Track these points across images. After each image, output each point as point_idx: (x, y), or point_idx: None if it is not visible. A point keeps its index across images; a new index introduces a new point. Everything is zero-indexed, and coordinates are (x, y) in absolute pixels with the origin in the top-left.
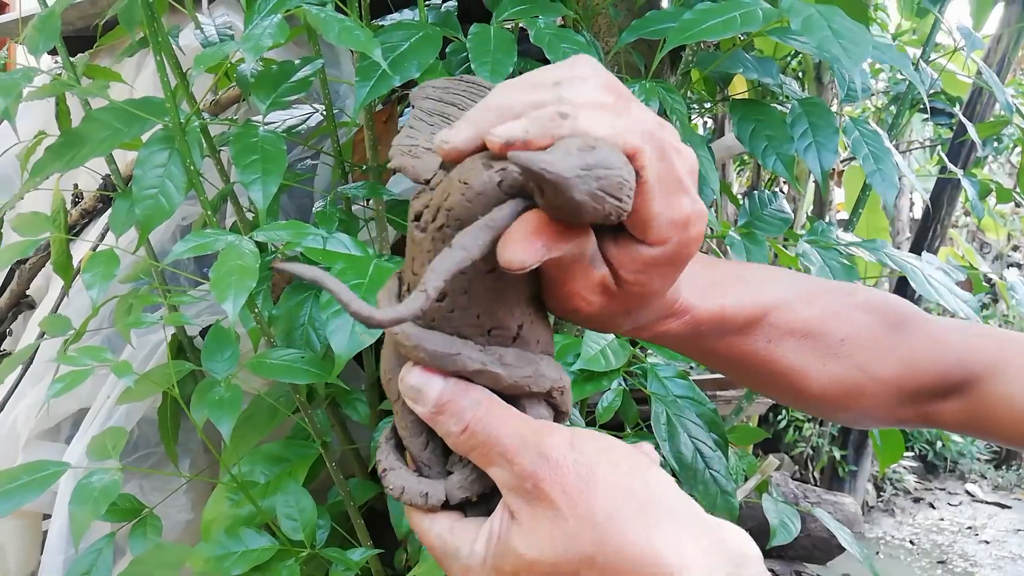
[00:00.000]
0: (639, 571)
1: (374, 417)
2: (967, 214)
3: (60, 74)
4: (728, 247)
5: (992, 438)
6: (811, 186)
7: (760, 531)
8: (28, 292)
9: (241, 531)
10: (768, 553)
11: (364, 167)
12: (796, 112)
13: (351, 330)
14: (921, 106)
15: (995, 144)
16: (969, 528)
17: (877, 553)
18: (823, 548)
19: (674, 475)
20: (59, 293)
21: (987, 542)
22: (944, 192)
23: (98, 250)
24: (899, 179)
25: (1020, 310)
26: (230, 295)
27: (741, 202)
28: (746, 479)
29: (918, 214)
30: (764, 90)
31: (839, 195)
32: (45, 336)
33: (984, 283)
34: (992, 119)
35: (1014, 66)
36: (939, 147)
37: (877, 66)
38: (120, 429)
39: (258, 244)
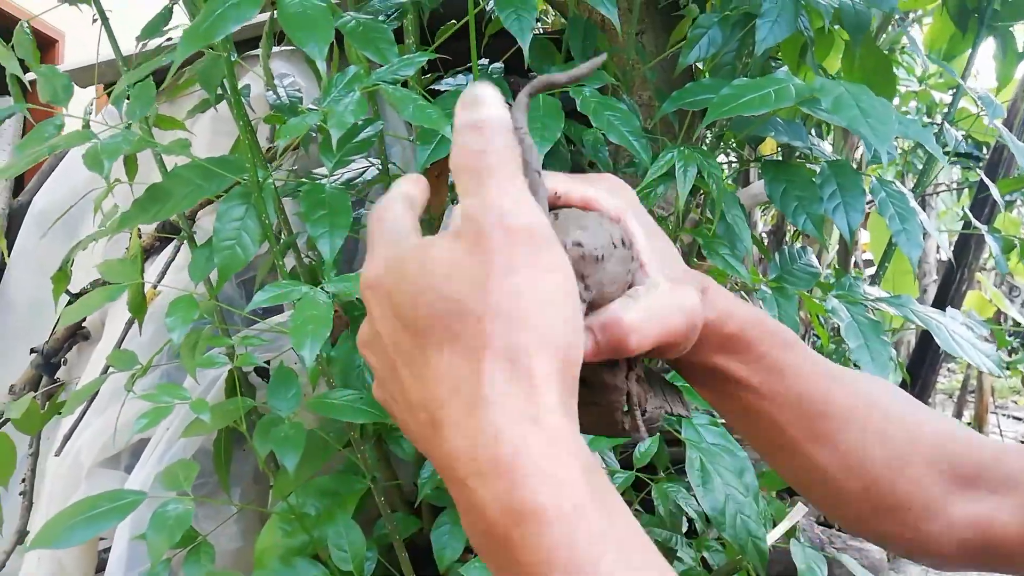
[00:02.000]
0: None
1: (419, 453)
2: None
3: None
4: (760, 301)
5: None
6: (835, 232)
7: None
8: (84, 324)
9: (295, 560)
10: None
11: (420, 219)
12: (825, 174)
13: None
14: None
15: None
16: None
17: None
18: None
19: (708, 520)
20: (123, 329)
21: None
22: (971, 236)
23: (178, 296)
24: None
25: None
26: (307, 342)
27: (772, 256)
28: (774, 524)
29: (945, 255)
30: (791, 149)
31: (864, 235)
32: (111, 370)
33: (1009, 333)
34: (1017, 170)
35: None
36: (966, 190)
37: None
38: (192, 463)
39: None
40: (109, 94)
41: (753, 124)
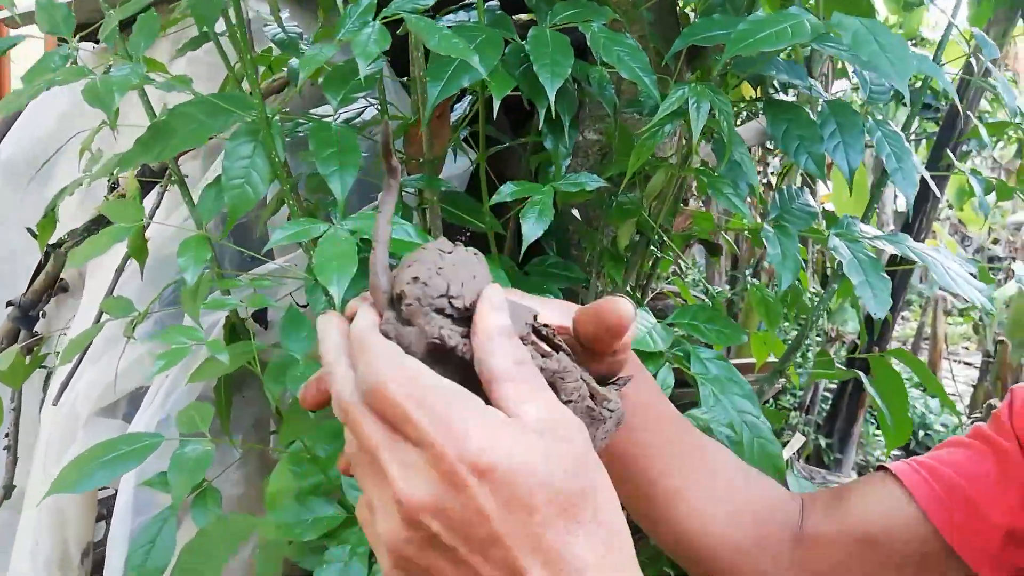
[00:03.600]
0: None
1: None
2: (950, 207)
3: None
4: (764, 240)
5: None
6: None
7: None
8: (62, 276)
9: (309, 500)
10: None
11: (420, 160)
12: (824, 114)
13: None
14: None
15: (979, 140)
16: None
17: None
18: None
19: (730, 442)
20: (112, 277)
21: None
22: (929, 188)
23: (189, 236)
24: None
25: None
26: (334, 278)
27: (767, 197)
28: None
29: (902, 206)
30: (787, 89)
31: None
32: (106, 318)
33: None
34: (977, 115)
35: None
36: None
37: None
38: (207, 405)
39: None
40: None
41: (757, 64)
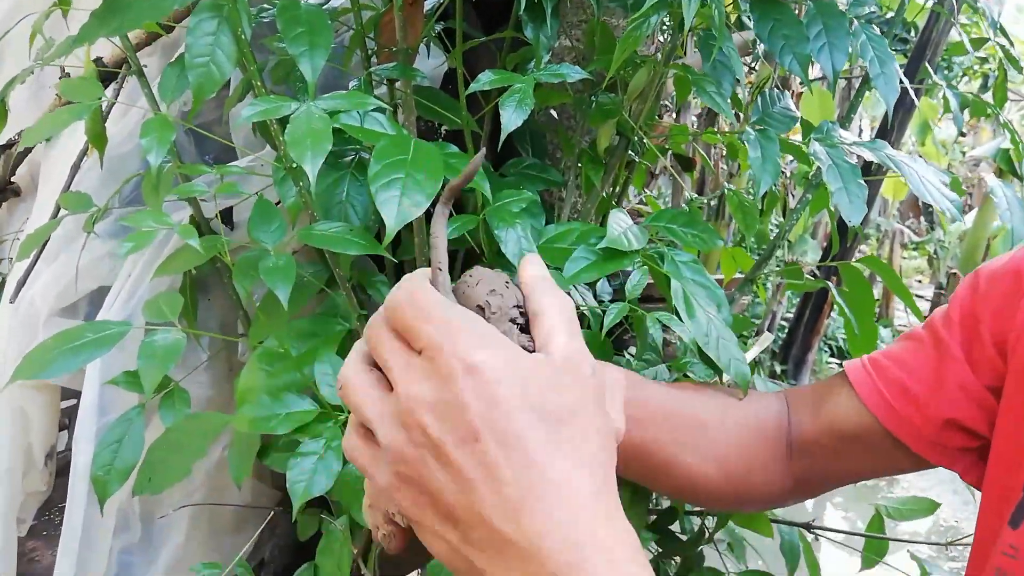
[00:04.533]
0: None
1: None
2: (912, 142)
3: None
4: (745, 142)
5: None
6: None
7: None
8: (13, 179)
9: (283, 395)
10: None
11: (393, 49)
12: (811, 14)
13: (399, 203)
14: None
15: (945, 72)
16: None
17: None
18: None
19: (699, 351)
20: (67, 175)
21: None
22: (896, 116)
23: (151, 116)
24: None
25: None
26: (308, 156)
27: (747, 100)
28: None
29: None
30: None
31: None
32: (64, 213)
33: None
34: (946, 47)
35: None
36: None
37: None
38: (176, 294)
39: None
40: None
41: None
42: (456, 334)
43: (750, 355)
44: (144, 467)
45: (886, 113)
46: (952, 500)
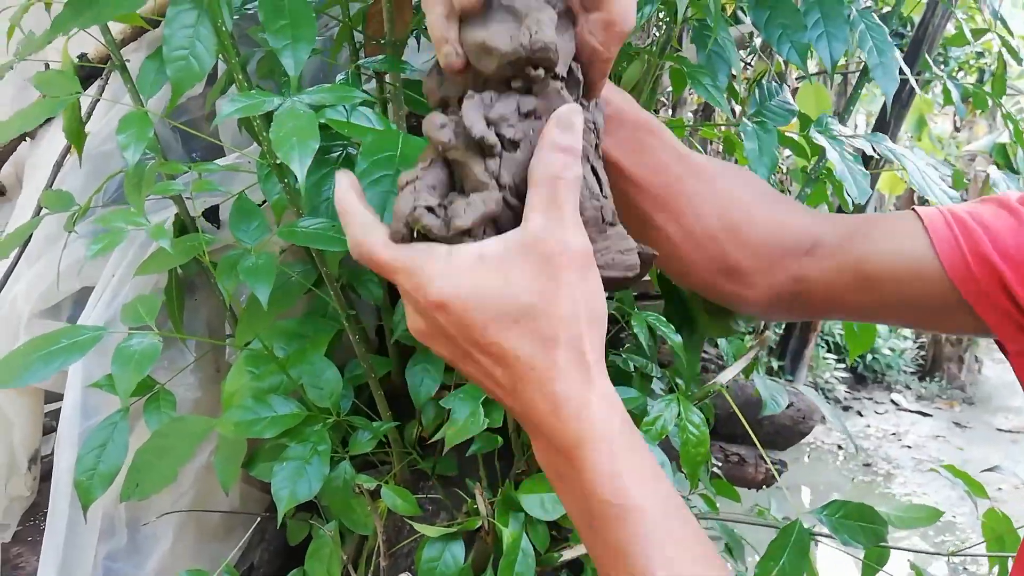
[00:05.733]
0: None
1: (386, 298)
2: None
3: None
4: (742, 134)
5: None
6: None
7: (749, 406)
8: None
9: (269, 398)
10: (733, 439)
11: (381, 41)
12: (810, 2)
13: (388, 200)
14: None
15: (942, 66)
16: (893, 434)
17: (806, 457)
18: (785, 435)
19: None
20: (51, 172)
21: (909, 447)
22: (892, 111)
23: (129, 111)
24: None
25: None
26: (295, 155)
27: (744, 94)
28: (735, 359)
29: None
30: None
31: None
32: (45, 212)
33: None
34: (943, 41)
35: None
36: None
37: None
38: (152, 297)
39: None
40: None
41: None
42: (418, 276)
43: (740, 364)
44: (131, 473)
45: (883, 107)
46: (950, 495)
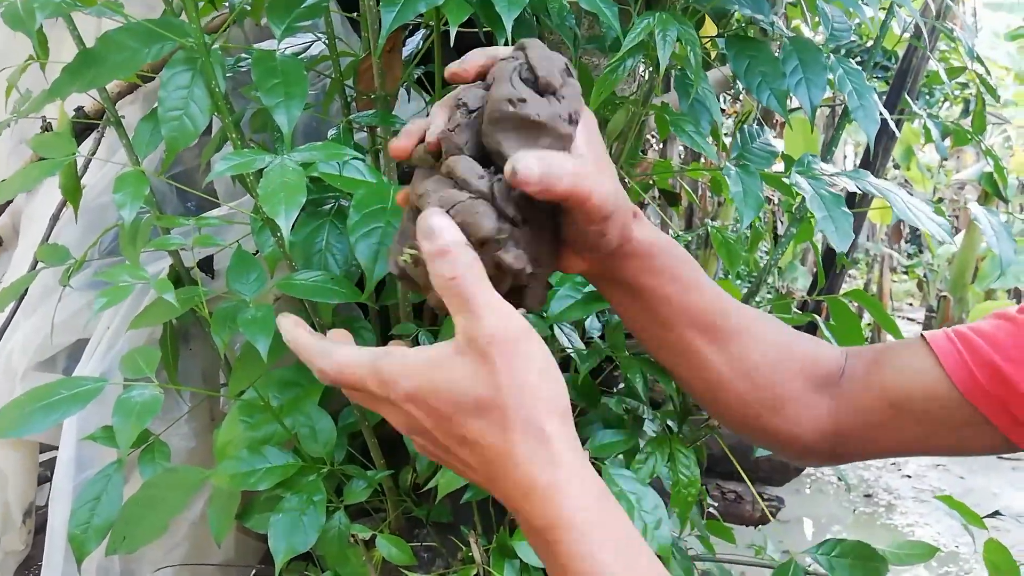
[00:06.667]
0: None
1: (380, 344)
2: (896, 167)
3: None
4: (726, 177)
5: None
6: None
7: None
8: None
9: (264, 449)
10: (730, 476)
11: (372, 95)
12: (787, 50)
13: (379, 252)
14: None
15: (927, 97)
16: (893, 463)
17: (807, 489)
18: (781, 471)
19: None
20: (47, 227)
21: (909, 476)
22: (879, 144)
23: (125, 171)
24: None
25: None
26: (282, 210)
27: (727, 138)
28: None
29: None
30: (749, 28)
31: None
32: (41, 266)
33: (907, 240)
34: (927, 74)
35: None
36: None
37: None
38: (152, 348)
39: None
40: None
41: None
42: (387, 380)
43: None
44: (118, 525)
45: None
46: (952, 524)
